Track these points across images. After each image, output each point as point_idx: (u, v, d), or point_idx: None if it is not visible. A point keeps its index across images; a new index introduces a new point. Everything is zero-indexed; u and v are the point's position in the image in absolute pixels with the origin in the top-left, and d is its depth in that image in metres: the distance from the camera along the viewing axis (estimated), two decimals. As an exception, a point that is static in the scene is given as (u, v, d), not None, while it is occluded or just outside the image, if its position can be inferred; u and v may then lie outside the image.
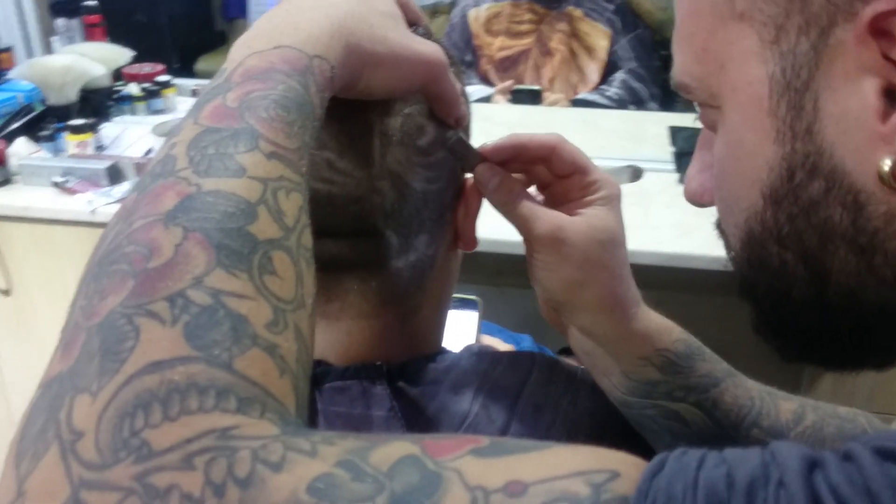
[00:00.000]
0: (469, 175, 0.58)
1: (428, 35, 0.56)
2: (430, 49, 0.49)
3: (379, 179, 0.52)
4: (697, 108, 0.44)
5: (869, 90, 0.34)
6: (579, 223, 0.54)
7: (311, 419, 0.53)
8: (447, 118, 0.54)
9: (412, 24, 0.55)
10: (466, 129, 0.58)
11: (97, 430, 0.28)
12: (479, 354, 0.58)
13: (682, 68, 0.43)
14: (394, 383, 0.54)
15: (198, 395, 0.29)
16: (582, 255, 0.54)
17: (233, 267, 0.33)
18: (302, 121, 0.40)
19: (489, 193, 0.55)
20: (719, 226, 0.45)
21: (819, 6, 0.35)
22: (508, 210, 0.55)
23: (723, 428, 0.57)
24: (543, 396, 0.57)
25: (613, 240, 0.55)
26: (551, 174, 0.57)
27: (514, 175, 0.57)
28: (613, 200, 0.56)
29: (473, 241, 0.59)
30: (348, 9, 0.45)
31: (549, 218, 0.54)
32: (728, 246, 0.44)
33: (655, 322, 0.57)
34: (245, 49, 0.42)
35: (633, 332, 0.56)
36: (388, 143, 0.52)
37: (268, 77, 0.40)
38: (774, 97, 0.37)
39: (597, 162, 0.57)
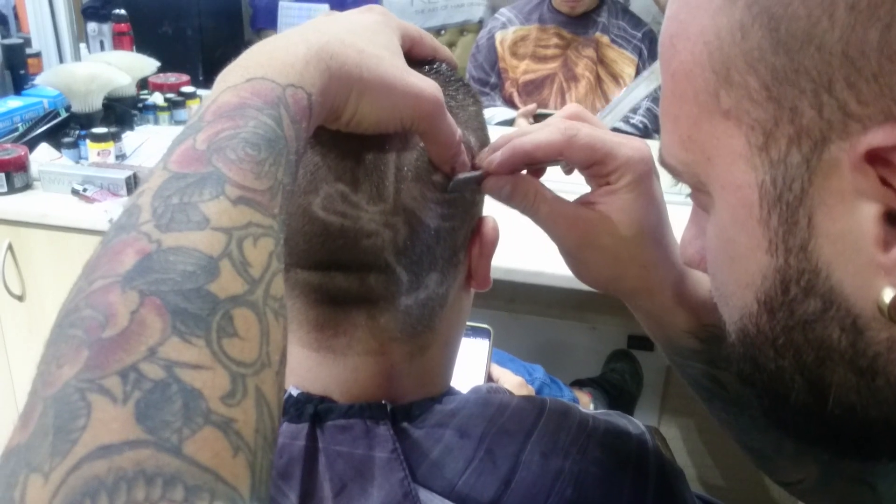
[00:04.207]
0: (485, 213, 0.57)
1: (452, 69, 0.55)
2: (425, 83, 0.47)
3: (392, 215, 0.50)
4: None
5: (867, 215, 0.31)
6: (604, 223, 0.53)
7: (312, 457, 0.51)
8: (442, 164, 0.51)
9: (427, 60, 0.54)
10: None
11: None
12: (486, 398, 0.57)
13: (668, 150, 0.40)
14: (398, 424, 0.53)
15: (145, 485, 0.28)
16: (612, 255, 0.54)
17: (189, 333, 0.32)
18: (274, 158, 0.38)
19: (506, 202, 0.55)
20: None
21: (810, 119, 0.32)
22: (530, 214, 0.55)
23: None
24: (552, 444, 0.55)
25: (642, 231, 0.54)
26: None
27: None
28: (641, 182, 0.54)
29: (487, 280, 0.57)
30: (334, 34, 0.44)
31: (572, 220, 0.54)
32: (725, 329, 0.41)
33: (704, 296, 0.56)
34: (221, 84, 0.41)
35: (677, 307, 0.56)
36: (403, 178, 0.50)
37: (238, 114, 0.38)
38: (765, 207, 0.35)
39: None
